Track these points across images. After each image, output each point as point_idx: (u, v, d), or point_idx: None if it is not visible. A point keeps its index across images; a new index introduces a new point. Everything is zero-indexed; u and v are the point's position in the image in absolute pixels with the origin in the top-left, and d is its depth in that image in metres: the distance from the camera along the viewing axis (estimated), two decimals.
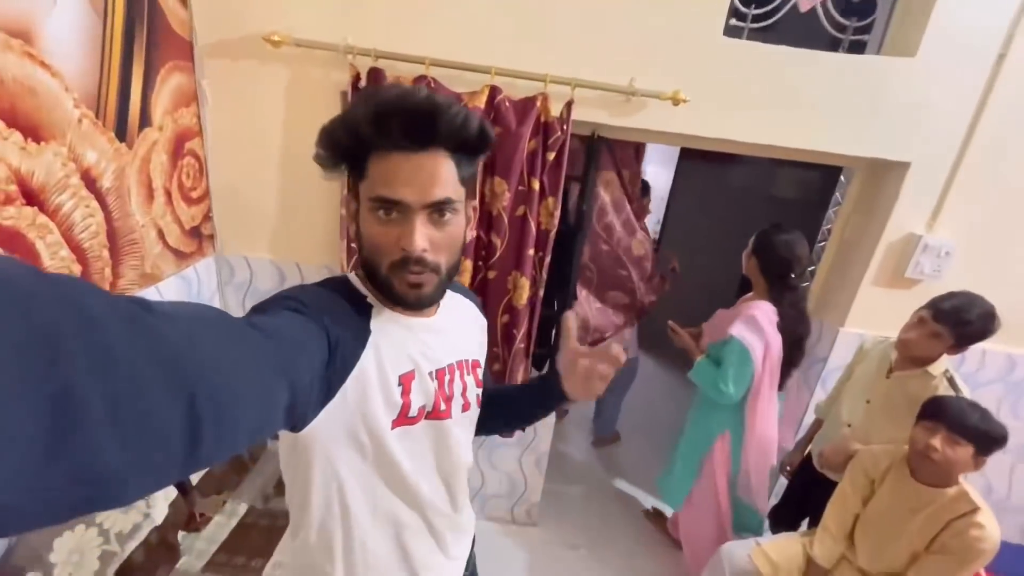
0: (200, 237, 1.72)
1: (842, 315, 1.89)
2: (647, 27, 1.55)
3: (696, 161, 3.71)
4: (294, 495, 0.71)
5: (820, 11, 1.63)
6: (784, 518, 1.94)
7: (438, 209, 0.62)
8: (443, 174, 0.61)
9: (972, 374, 1.92)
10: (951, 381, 1.49)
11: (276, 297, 0.60)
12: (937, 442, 1.31)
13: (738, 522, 1.96)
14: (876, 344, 1.69)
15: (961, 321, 1.40)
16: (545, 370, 2.13)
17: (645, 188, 2.56)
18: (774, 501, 2.11)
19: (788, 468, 1.92)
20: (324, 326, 0.57)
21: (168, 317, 0.33)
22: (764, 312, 1.69)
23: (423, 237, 0.61)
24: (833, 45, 1.67)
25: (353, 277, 0.71)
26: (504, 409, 0.90)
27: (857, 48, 1.71)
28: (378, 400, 0.64)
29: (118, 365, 0.27)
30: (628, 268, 2.27)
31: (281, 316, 0.55)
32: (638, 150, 2.25)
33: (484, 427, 0.88)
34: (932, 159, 1.67)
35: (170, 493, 1.52)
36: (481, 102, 1.54)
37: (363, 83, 1.55)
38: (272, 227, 1.79)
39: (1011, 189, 1.70)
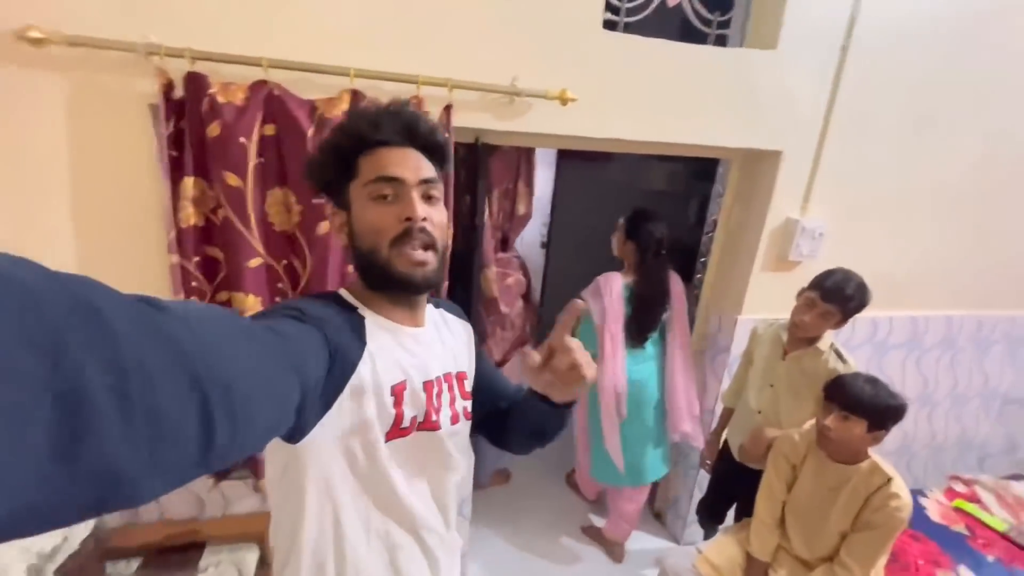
0: None
1: (738, 304, 1.93)
2: (525, 20, 1.41)
3: (575, 161, 3.73)
4: (283, 523, 0.70)
5: (687, 5, 1.62)
6: (712, 509, 1.95)
7: (428, 190, 0.69)
8: (425, 162, 0.70)
9: (846, 341, 2.08)
10: (837, 353, 1.56)
11: (275, 307, 0.63)
12: (831, 420, 1.36)
13: (596, 467, 2.10)
14: (767, 328, 1.73)
15: (844, 297, 1.48)
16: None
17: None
18: (699, 493, 2.13)
19: (708, 462, 1.92)
20: (324, 333, 0.58)
21: (177, 315, 0.33)
22: (608, 282, 1.91)
23: (422, 208, 0.67)
24: (697, 40, 1.67)
25: (343, 291, 0.73)
26: (519, 426, 0.85)
27: (720, 42, 1.74)
28: (372, 411, 0.65)
29: (127, 362, 0.26)
30: (503, 307, 2.11)
31: (284, 322, 0.56)
32: (523, 158, 2.11)
33: (513, 443, 0.88)
34: (800, 146, 1.76)
35: None
36: (341, 110, 1.28)
37: (178, 92, 1.20)
38: None
39: (866, 168, 1.85)
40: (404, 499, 0.71)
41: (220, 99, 1.21)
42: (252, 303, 1.35)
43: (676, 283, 1.97)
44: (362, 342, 0.65)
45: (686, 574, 1.59)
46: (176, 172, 1.25)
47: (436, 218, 0.69)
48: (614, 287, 1.90)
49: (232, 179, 1.26)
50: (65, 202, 1.27)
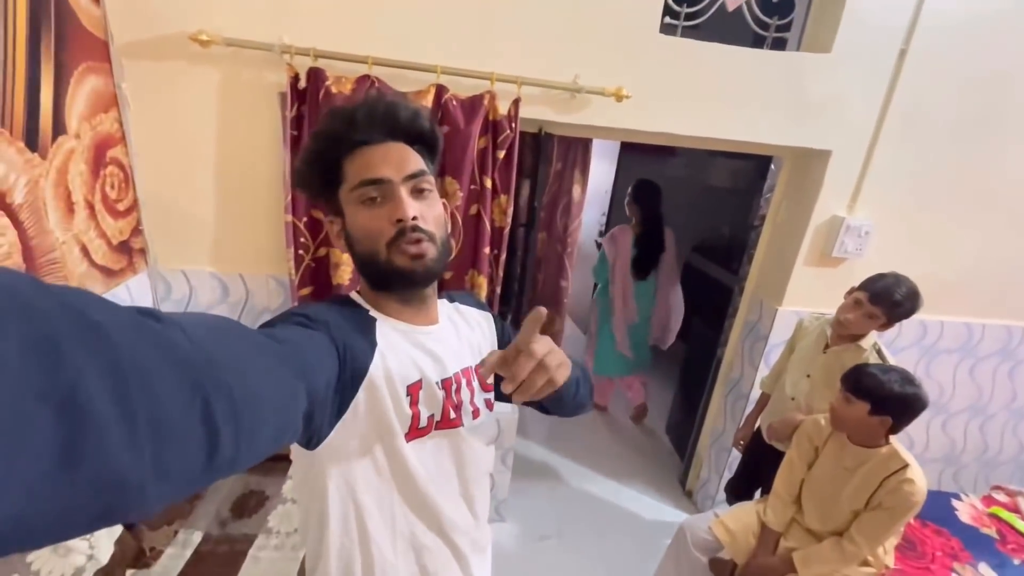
0: (130, 252, 1.60)
1: (779, 295, 2.02)
2: (588, 25, 1.58)
3: (636, 154, 3.83)
4: (310, 525, 0.70)
5: (745, 10, 1.73)
6: (739, 489, 2.06)
7: (417, 184, 0.67)
8: (411, 155, 0.68)
9: (891, 342, 2.11)
10: (879, 352, 1.63)
11: (282, 315, 0.62)
12: (835, 399, 1.47)
13: (598, 365, 3.06)
14: (813, 321, 1.82)
15: (893, 302, 1.54)
16: None
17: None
18: (728, 475, 2.24)
19: (741, 442, 2.03)
20: (333, 338, 0.58)
21: (176, 324, 0.33)
22: (621, 233, 2.79)
23: (411, 206, 0.65)
24: (756, 43, 1.78)
25: (355, 294, 0.73)
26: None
27: (779, 45, 1.83)
28: (389, 412, 0.64)
29: (124, 370, 0.26)
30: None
31: (291, 329, 0.55)
32: (580, 148, 2.29)
33: (547, 408, 0.82)
34: (850, 147, 1.82)
35: (115, 530, 1.41)
36: (428, 101, 1.52)
37: (303, 84, 1.50)
38: (210, 237, 1.69)
39: (916, 171, 1.87)
40: (429, 499, 0.70)
41: (333, 89, 1.49)
42: (345, 259, 1.64)
43: (669, 236, 2.81)
44: (373, 343, 0.64)
45: (701, 535, 1.73)
46: (296, 149, 1.55)
47: (429, 213, 0.67)
48: (625, 236, 2.76)
49: None
50: (211, 169, 1.62)
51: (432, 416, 0.69)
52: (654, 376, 3.57)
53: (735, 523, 1.71)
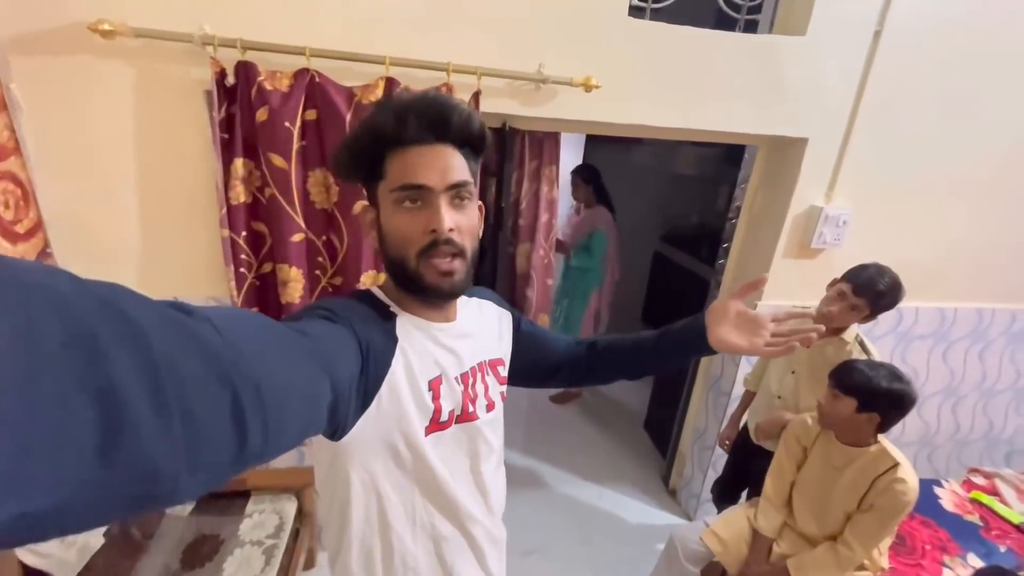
0: None
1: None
2: (552, 8, 1.45)
3: (602, 143, 3.73)
4: (333, 515, 0.71)
5: None
6: (725, 490, 2.01)
7: (458, 193, 0.65)
8: (457, 162, 0.66)
9: (869, 330, 2.07)
10: (861, 344, 1.58)
11: (306, 308, 0.63)
12: (823, 396, 1.42)
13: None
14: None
15: (877, 293, 1.48)
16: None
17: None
18: (712, 473, 2.19)
19: (727, 442, 1.97)
20: (355, 333, 0.59)
21: (206, 318, 0.34)
22: (606, 213, 2.93)
23: (449, 218, 0.64)
24: (720, 26, 1.67)
25: (375, 290, 0.73)
26: (626, 363, 0.91)
27: (750, 28, 1.74)
28: (411, 406, 0.66)
29: (157, 361, 0.27)
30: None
31: (316, 323, 0.56)
32: (549, 142, 2.15)
33: (604, 375, 0.93)
34: (826, 134, 1.75)
35: None
36: (377, 96, 1.36)
37: (231, 80, 1.31)
38: (136, 258, 1.49)
39: (893, 158, 1.83)
40: (448, 490, 0.72)
41: (267, 86, 1.31)
42: (295, 275, 1.48)
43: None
44: (394, 339, 0.65)
45: (693, 546, 1.66)
46: (227, 154, 1.36)
47: (465, 224, 0.66)
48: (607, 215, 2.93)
49: (278, 160, 1.37)
50: (131, 181, 1.41)
51: (452, 411, 0.71)
52: None
53: (726, 532, 1.64)
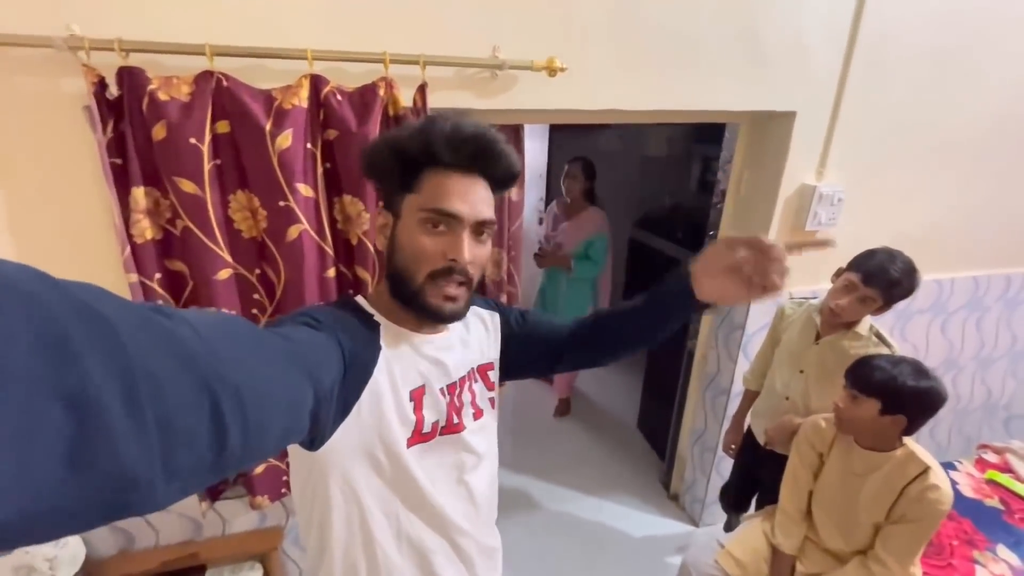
0: None
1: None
2: None
3: (568, 130, 3.55)
4: (312, 532, 0.69)
5: None
6: (735, 497, 1.87)
7: (481, 229, 0.67)
8: (489, 198, 0.68)
9: None
10: (879, 336, 1.44)
11: (288, 315, 0.62)
12: (840, 398, 1.29)
13: None
14: (796, 307, 1.61)
15: (890, 282, 1.34)
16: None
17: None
18: (716, 476, 2.05)
19: (732, 447, 1.83)
20: (339, 340, 0.59)
21: (185, 320, 0.33)
22: (602, 215, 2.64)
23: (469, 251, 0.65)
24: None
25: (360, 299, 0.72)
26: (625, 331, 0.84)
27: None
28: (392, 415, 0.65)
29: (132, 365, 0.26)
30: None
31: (298, 329, 0.56)
32: (510, 137, 1.94)
33: (606, 351, 0.86)
34: (814, 105, 1.60)
35: None
36: (302, 99, 1.13)
37: (113, 90, 1.06)
38: None
39: (883, 125, 1.69)
40: (433, 501, 0.70)
41: (162, 96, 1.06)
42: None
43: None
44: (377, 348, 0.65)
45: (708, 569, 1.51)
46: (123, 182, 1.11)
47: (480, 258, 0.68)
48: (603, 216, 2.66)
49: (187, 185, 1.12)
50: (3, 227, 1.14)
51: (437, 422, 0.70)
52: (617, 368, 3.36)
53: (743, 551, 1.50)
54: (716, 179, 1.91)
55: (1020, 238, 2.07)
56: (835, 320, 1.45)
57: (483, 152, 0.66)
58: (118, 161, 1.10)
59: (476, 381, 0.78)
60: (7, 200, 1.13)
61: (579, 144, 3.64)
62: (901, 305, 1.97)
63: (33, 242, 1.17)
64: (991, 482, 1.79)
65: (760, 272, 0.67)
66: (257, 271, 1.28)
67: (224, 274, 1.22)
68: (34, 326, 0.22)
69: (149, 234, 1.16)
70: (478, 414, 0.77)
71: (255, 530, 1.61)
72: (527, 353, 0.86)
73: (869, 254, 1.38)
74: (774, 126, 1.67)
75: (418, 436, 0.68)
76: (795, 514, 1.45)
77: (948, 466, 1.86)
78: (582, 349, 0.86)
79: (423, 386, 0.69)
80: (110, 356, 0.25)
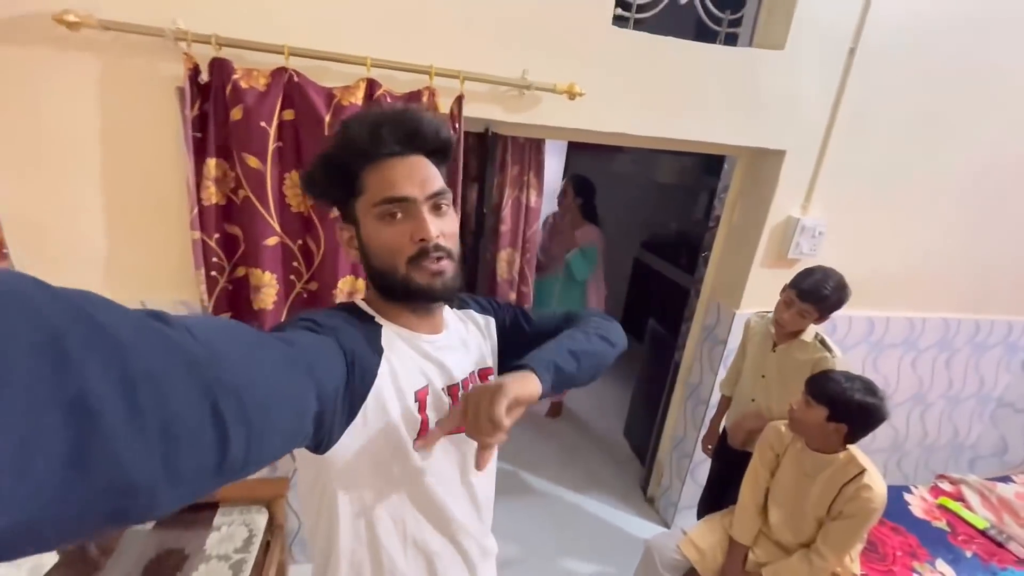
0: None
1: (736, 299, 1.98)
2: (537, 15, 1.44)
3: (585, 151, 3.76)
4: (318, 535, 0.70)
5: (697, 3, 1.65)
6: (709, 502, 2.01)
7: (437, 202, 0.67)
8: (432, 171, 0.68)
9: (842, 339, 2.12)
10: (822, 342, 1.63)
11: (290, 320, 0.62)
12: (796, 402, 1.46)
13: None
14: (759, 320, 1.79)
15: (821, 297, 1.53)
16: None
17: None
18: (691, 481, 2.20)
19: (709, 447, 1.98)
20: (341, 344, 0.58)
21: (184, 326, 0.33)
22: (596, 231, 2.80)
23: (434, 225, 0.65)
24: (700, 38, 1.69)
25: (360, 301, 0.73)
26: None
27: (730, 41, 1.76)
28: (398, 417, 0.65)
29: (132, 371, 0.26)
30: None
31: (300, 333, 0.55)
32: (532, 149, 2.14)
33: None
34: (803, 146, 1.79)
35: None
36: (358, 98, 1.33)
37: (204, 76, 1.27)
38: (100, 259, 1.42)
39: (866, 170, 1.88)
40: (438, 504, 0.71)
41: (243, 84, 1.27)
42: (268, 279, 1.43)
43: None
44: (379, 350, 0.65)
45: (670, 555, 1.66)
46: (200, 153, 1.32)
47: (448, 229, 0.67)
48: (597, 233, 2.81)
49: (253, 161, 1.32)
50: (95, 179, 1.35)
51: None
52: (610, 376, 3.52)
53: (703, 540, 1.65)
54: (714, 206, 2.10)
55: (990, 286, 2.23)
56: (781, 331, 1.63)
57: (404, 128, 0.65)
58: (199, 135, 1.31)
59: (477, 384, 0.78)
60: (103, 159, 1.33)
61: (594, 165, 3.85)
62: (874, 338, 2.15)
63: (119, 196, 1.37)
64: (942, 507, 1.93)
65: None
66: (299, 242, 1.47)
67: (272, 241, 1.42)
68: (33, 333, 0.22)
69: (215, 199, 1.36)
70: None
71: (265, 478, 1.77)
72: (520, 354, 0.85)
73: (806, 273, 1.57)
74: (766, 162, 1.86)
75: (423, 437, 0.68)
76: (752, 508, 1.60)
77: (904, 489, 2.00)
78: None
79: (426, 386, 0.69)
80: (109, 362, 0.25)
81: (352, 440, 0.61)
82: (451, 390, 0.72)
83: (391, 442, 0.65)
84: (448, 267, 0.67)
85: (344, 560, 0.68)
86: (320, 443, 0.58)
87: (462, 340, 0.78)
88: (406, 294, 0.67)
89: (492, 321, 0.86)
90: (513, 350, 0.85)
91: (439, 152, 0.69)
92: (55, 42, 1.21)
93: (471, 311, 0.84)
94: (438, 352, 0.72)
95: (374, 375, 0.62)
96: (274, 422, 0.39)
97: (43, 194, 1.33)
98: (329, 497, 0.65)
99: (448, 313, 0.79)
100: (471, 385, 0.75)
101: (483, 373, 0.80)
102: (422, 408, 0.67)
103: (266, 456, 0.38)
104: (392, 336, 0.68)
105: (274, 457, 0.40)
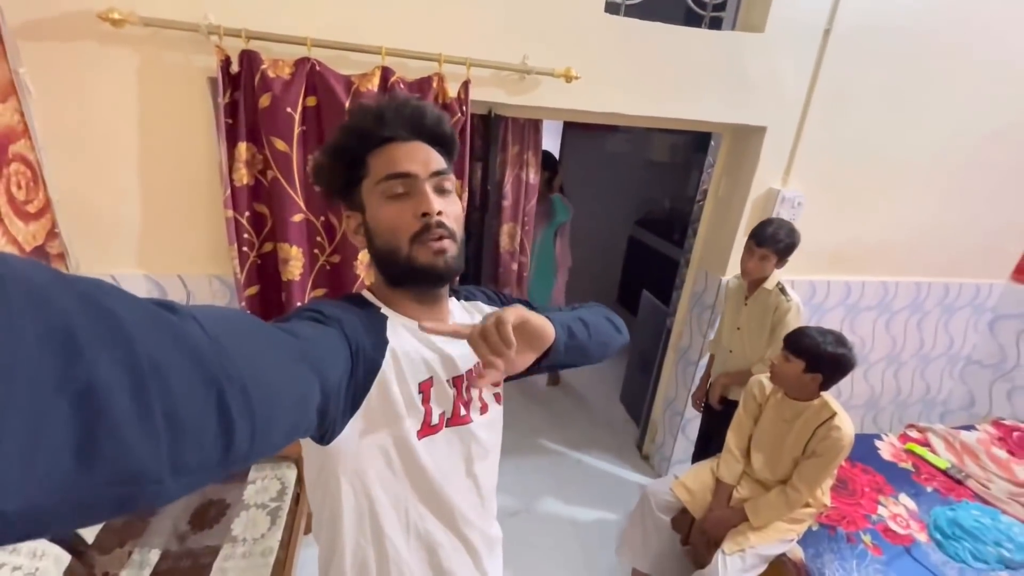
0: (47, 258, 1.45)
1: (723, 266, 2.14)
2: (536, 3, 1.56)
3: (580, 130, 3.87)
4: (324, 522, 0.70)
5: None
6: (701, 454, 2.20)
7: (440, 183, 0.68)
8: (434, 155, 0.69)
9: (821, 303, 2.30)
10: (781, 289, 1.81)
11: (295, 311, 0.62)
12: (776, 357, 1.63)
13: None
14: (734, 280, 2.00)
15: (775, 240, 1.72)
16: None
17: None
18: (682, 437, 2.38)
19: (699, 402, 2.16)
20: (345, 335, 0.59)
21: (192, 316, 0.33)
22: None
23: (436, 201, 0.66)
24: (687, 23, 1.82)
25: (366, 292, 0.74)
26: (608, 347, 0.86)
27: (714, 25, 1.89)
28: (401, 408, 0.65)
29: (139, 359, 0.27)
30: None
31: (304, 325, 0.55)
32: (531, 129, 2.27)
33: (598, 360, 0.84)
34: (783, 123, 1.93)
35: (62, 557, 1.31)
36: (374, 84, 1.46)
37: (235, 68, 1.39)
38: (140, 238, 1.56)
39: (842, 145, 2.02)
40: (441, 495, 0.71)
41: (270, 74, 1.39)
42: (295, 253, 1.57)
43: None
44: (384, 341, 0.65)
45: (664, 497, 1.85)
46: (231, 138, 1.45)
47: (451, 210, 0.68)
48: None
49: (280, 144, 1.45)
50: (135, 163, 1.48)
51: (443, 413, 0.71)
52: None
53: (694, 482, 1.83)
54: (702, 180, 2.24)
55: (957, 253, 2.40)
56: (748, 279, 1.83)
57: (408, 113, 0.68)
58: (230, 121, 1.43)
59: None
60: (143, 145, 1.46)
61: (588, 144, 3.97)
62: (851, 301, 2.32)
63: (158, 179, 1.51)
64: (908, 451, 2.12)
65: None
66: (322, 218, 1.61)
67: (297, 218, 1.56)
68: (42, 320, 0.22)
69: (245, 180, 1.49)
70: (484, 408, 0.77)
71: None
72: None
73: (762, 224, 1.76)
74: (749, 138, 2.00)
75: (427, 428, 0.68)
76: (737, 452, 1.78)
77: (875, 436, 2.20)
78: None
79: (431, 378, 0.69)
80: (117, 350, 0.25)
81: (355, 431, 0.61)
82: (455, 381, 0.72)
83: (394, 434, 0.65)
84: (450, 247, 0.67)
85: (348, 549, 0.69)
86: (324, 434, 0.59)
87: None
88: (410, 274, 0.67)
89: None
90: None
91: (442, 144, 0.71)
92: (99, 37, 1.33)
93: (478, 303, 0.85)
94: (443, 343, 0.71)
95: (378, 366, 0.62)
96: (278, 414, 0.39)
97: (91, 178, 1.46)
98: (333, 487, 0.65)
99: (455, 304, 0.80)
100: (475, 376, 0.73)
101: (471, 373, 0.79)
102: (426, 399, 0.68)
103: (270, 447, 0.38)
104: (397, 326, 0.68)
105: (278, 448, 0.40)
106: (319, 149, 0.74)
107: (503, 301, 0.88)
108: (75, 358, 0.23)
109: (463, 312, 0.81)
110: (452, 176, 0.71)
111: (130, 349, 0.26)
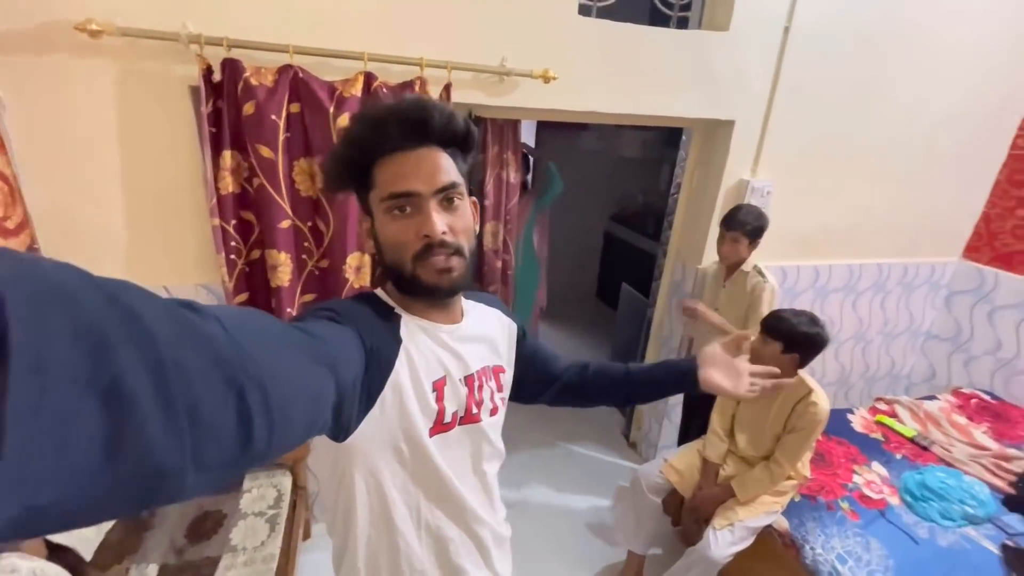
0: None
1: (698, 256, 2.22)
2: (511, 8, 1.61)
3: (553, 129, 3.94)
4: (337, 518, 0.72)
5: None
6: (686, 436, 2.29)
7: (447, 195, 0.65)
8: (443, 163, 0.65)
9: (793, 285, 2.41)
10: (758, 271, 1.90)
11: (310, 310, 0.63)
12: (755, 339, 1.70)
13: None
14: (712, 266, 2.10)
15: (743, 224, 1.83)
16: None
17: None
18: (667, 422, 2.47)
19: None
20: (360, 334, 0.59)
21: (213, 316, 0.34)
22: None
23: (440, 221, 0.64)
24: (653, 22, 1.89)
25: (380, 292, 0.74)
26: (617, 390, 0.94)
27: (682, 24, 1.97)
28: (415, 407, 0.66)
29: (163, 358, 0.27)
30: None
31: (320, 324, 0.56)
32: (510, 129, 2.32)
33: (591, 400, 0.97)
34: (750, 116, 2.02)
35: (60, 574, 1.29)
36: (357, 90, 1.48)
37: (217, 76, 1.39)
38: (126, 249, 1.54)
39: (806, 136, 2.13)
40: (453, 492, 0.72)
41: (253, 81, 1.40)
42: (283, 259, 1.58)
43: None
44: (398, 340, 0.66)
45: (654, 478, 1.92)
46: (216, 146, 1.44)
47: (459, 224, 0.66)
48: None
49: (265, 151, 1.46)
50: (116, 175, 1.46)
51: (456, 412, 0.72)
52: (586, 343, 3.77)
53: (682, 464, 1.91)
54: (675, 175, 2.32)
55: (913, 235, 2.56)
56: (726, 263, 1.94)
57: (411, 120, 0.63)
58: (213, 130, 1.43)
59: (491, 380, 0.78)
60: (124, 156, 1.45)
61: (561, 142, 4.04)
62: (819, 284, 2.44)
63: (140, 190, 1.49)
64: (878, 423, 2.25)
65: (734, 376, 0.85)
66: (310, 223, 1.62)
67: (285, 224, 1.56)
68: (74, 322, 0.23)
69: (231, 188, 1.49)
70: (494, 411, 0.78)
71: None
72: (525, 375, 0.89)
73: (732, 210, 1.88)
74: (719, 131, 2.09)
75: (439, 426, 0.69)
76: (721, 432, 1.87)
77: (847, 411, 2.32)
78: (572, 391, 0.94)
79: (444, 376, 0.69)
80: (143, 349, 0.26)
81: (369, 429, 0.62)
82: (467, 381, 0.72)
83: (407, 432, 0.66)
84: (456, 265, 0.66)
85: (361, 542, 0.70)
86: (339, 432, 0.59)
87: (480, 332, 0.79)
88: (415, 290, 0.68)
89: (514, 328, 0.88)
90: (521, 365, 0.88)
91: (455, 143, 0.67)
92: (76, 49, 1.31)
93: (492, 308, 0.85)
94: (456, 343, 0.72)
95: (392, 365, 0.63)
96: (296, 412, 0.40)
97: (71, 192, 1.44)
98: (347, 482, 0.67)
99: (468, 303, 0.80)
100: (484, 379, 0.76)
101: (496, 370, 0.81)
102: (440, 398, 0.68)
103: (287, 445, 0.39)
104: (411, 327, 0.69)
105: (294, 445, 0.41)
106: (328, 154, 0.72)
107: (516, 321, 0.91)
108: (104, 357, 0.24)
109: (479, 311, 0.82)
110: (462, 187, 0.67)
111: (155, 348, 0.27)
